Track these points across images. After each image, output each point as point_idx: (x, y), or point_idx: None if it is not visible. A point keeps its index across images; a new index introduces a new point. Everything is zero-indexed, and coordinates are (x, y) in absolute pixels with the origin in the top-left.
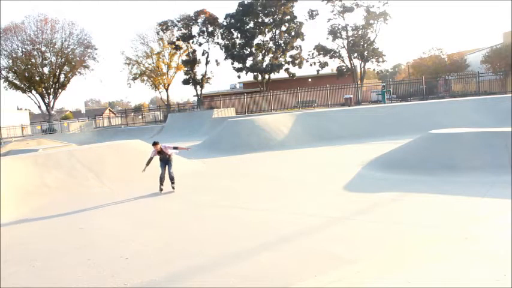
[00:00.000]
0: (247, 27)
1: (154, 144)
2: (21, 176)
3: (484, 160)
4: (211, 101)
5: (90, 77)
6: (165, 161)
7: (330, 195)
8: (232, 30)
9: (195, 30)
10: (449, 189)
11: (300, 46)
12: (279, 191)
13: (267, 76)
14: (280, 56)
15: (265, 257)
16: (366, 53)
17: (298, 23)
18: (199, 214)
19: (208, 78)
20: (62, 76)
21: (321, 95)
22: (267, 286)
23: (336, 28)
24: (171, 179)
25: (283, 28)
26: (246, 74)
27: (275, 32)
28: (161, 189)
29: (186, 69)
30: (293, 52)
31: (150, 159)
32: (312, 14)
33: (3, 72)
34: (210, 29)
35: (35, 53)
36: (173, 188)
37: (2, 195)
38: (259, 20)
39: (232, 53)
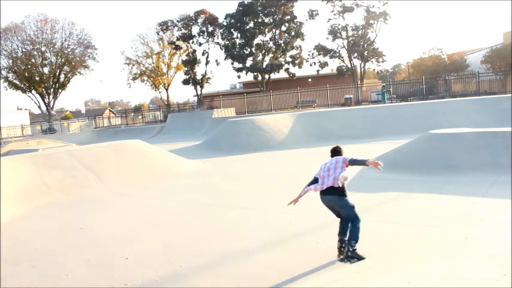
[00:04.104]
0: (247, 27)
1: (338, 151)
2: (21, 176)
3: (484, 160)
4: (211, 101)
5: (90, 77)
6: None
7: None
8: (232, 30)
9: (195, 30)
10: (449, 189)
11: (300, 46)
12: (279, 191)
13: (267, 76)
14: (280, 56)
15: (265, 257)
16: (366, 53)
17: (298, 23)
18: (199, 214)
19: (208, 78)
20: (62, 76)
21: (321, 95)
22: (267, 286)
23: (336, 28)
24: None
25: (283, 28)
26: (246, 74)
27: (275, 32)
28: None
29: (186, 69)
30: (293, 52)
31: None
32: (312, 14)
33: (3, 72)
34: (210, 29)
35: (35, 53)
36: None
37: (2, 195)
38: (259, 20)
39: (232, 53)
